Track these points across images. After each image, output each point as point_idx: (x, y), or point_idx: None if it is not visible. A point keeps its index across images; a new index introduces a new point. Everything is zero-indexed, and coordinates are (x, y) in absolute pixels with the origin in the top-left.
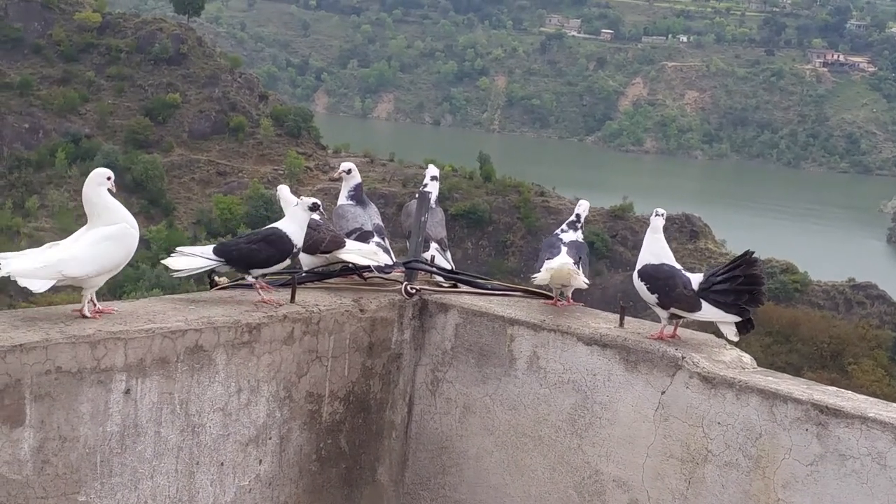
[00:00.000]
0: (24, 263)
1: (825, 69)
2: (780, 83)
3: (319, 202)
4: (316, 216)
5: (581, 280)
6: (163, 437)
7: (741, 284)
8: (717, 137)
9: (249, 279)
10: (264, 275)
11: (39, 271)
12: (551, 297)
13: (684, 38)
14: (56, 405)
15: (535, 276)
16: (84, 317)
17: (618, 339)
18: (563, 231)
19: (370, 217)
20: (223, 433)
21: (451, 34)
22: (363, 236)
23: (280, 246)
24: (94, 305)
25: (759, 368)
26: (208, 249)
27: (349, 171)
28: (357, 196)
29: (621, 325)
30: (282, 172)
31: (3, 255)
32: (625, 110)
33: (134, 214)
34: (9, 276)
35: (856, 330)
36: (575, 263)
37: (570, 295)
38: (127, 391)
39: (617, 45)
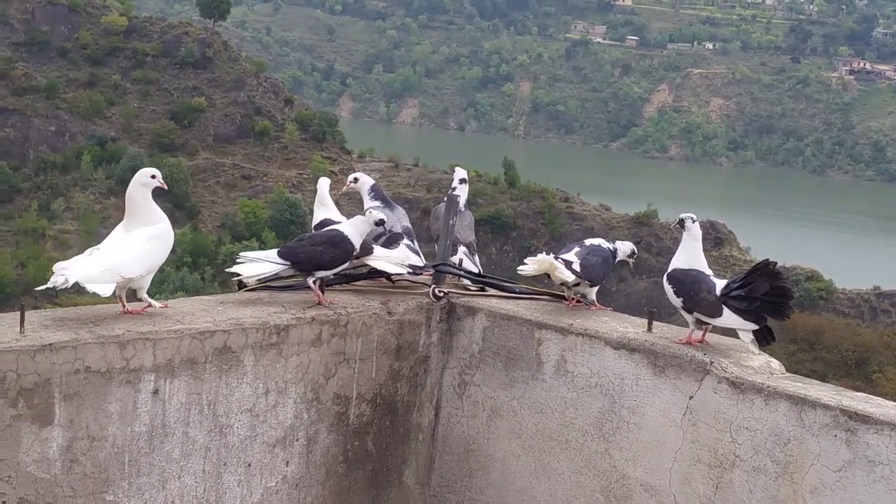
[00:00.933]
0: (87, 269)
1: (851, 77)
2: (806, 91)
3: (385, 218)
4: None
5: (563, 274)
6: (191, 438)
7: (766, 294)
8: (743, 144)
9: (309, 281)
10: (325, 277)
11: (102, 275)
12: (579, 302)
13: (710, 45)
14: (85, 405)
15: (520, 268)
16: (145, 311)
17: (646, 344)
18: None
19: (399, 219)
20: (251, 434)
21: (477, 40)
22: (392, 238)
23: (343, 247)
24: (124, 306)
25: (788, 374)
26: (272, 253)
27: (356, 180)
28: (380, 196)
29: (649, 329)
30: (306, 177)
31: (60, 264)
32: (650, 117)
33: None
34: (77, 284)
35: (881, 338)
36: (569, 263)
37: (594, 298)
38: (155, 391)
39: (642, 51)
